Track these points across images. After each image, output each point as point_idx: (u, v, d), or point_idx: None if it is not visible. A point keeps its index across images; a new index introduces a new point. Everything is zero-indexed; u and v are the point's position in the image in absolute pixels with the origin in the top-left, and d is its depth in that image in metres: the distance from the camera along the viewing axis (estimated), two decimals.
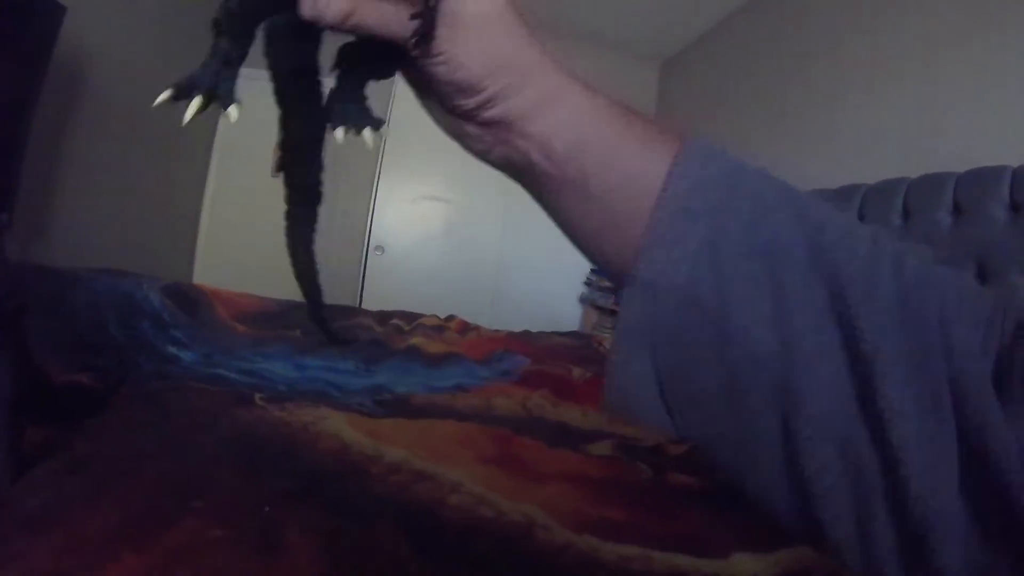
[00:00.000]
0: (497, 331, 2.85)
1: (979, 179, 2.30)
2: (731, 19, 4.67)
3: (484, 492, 0.81)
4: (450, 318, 2.91)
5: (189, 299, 1.87)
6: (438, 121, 0.53)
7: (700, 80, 5.12)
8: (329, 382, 1.49)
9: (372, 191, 4.89)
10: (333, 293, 4.20)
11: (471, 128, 0.48)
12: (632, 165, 0.47)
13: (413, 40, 0.41)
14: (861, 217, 2.77)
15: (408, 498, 0.77)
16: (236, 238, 4.85)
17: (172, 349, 1.48)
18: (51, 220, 3.38)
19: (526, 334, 2.90)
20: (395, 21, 0.40)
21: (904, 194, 2.60)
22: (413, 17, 0.40)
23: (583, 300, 5.30)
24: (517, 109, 0.45)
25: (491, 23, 0.43)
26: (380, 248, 4.93)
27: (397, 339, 2.22)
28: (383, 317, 2.63)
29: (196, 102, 0.45)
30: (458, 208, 5.15)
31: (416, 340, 2.17)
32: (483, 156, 0.51)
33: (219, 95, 0.48)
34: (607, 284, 4.76)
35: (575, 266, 5.38)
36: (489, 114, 0.45)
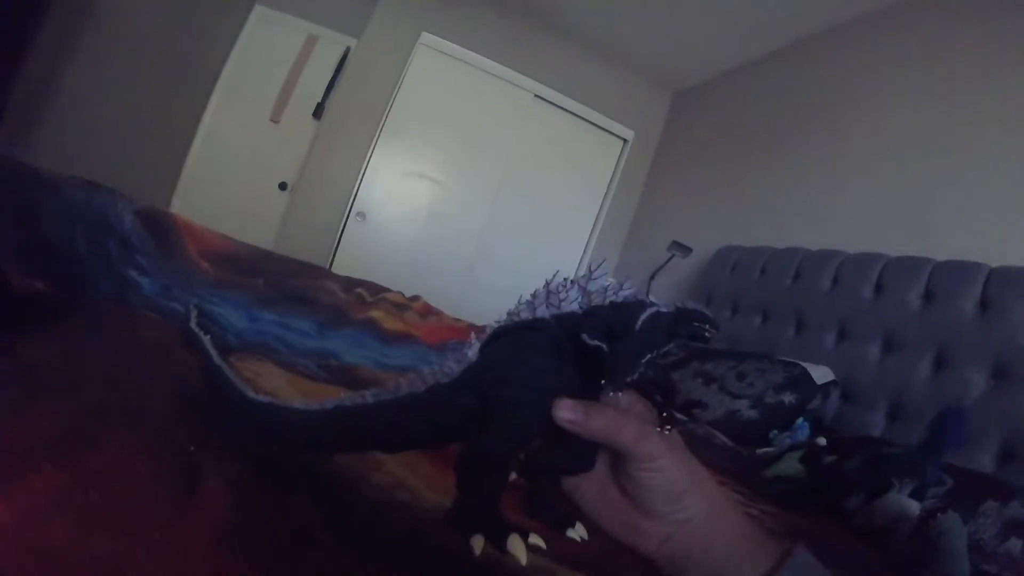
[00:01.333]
0: (459, 320, 2.85)
1: (955, 271, 2.36)
2: (748, 67, 4.72)
3: (406, 476, 0.83)
4: (415, 298, 2.91)
5: (161, 226, 1.85)
6: (599, 518, 0.59)
7: (708, 118, 5.14)
8: (279, 338, 1.49)
9: (366, 157, 4.85)
10: (306, 251, 4.18)
11: (650, 526, 0.56)
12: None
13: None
14: (835, 282, 2.83)
15: (331, 469, 0.78)
16: (221, 176, 4.82)
17: (133, 273, 1.47)
18: (43, 122, 3.35)
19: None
20: (626, 433, 0.52)
21: (881, 269, 2.64)
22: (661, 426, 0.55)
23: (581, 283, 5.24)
24: (699, 513, 0.55)
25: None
26: (361, 215, 4.90)
27: (358, 308, 2.22)
28: (349, 284, 2.61)
29: (480, 543, 0.52)
30: (446, 191, 5.13)
31: (376, 313, 2.16)
32: (648, 549, 0.57)
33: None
34: (599, 276, 4.75)
35: (549, 269, 5.38)
36: (682, 516, 0.54)
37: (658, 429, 0.54)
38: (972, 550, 1.35)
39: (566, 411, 0.52)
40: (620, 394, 0.57)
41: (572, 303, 0.56)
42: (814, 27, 3.94)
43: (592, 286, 0.57)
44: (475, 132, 5.19)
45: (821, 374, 2.43)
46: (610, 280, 0.58)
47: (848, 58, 3.65)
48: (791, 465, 1.78)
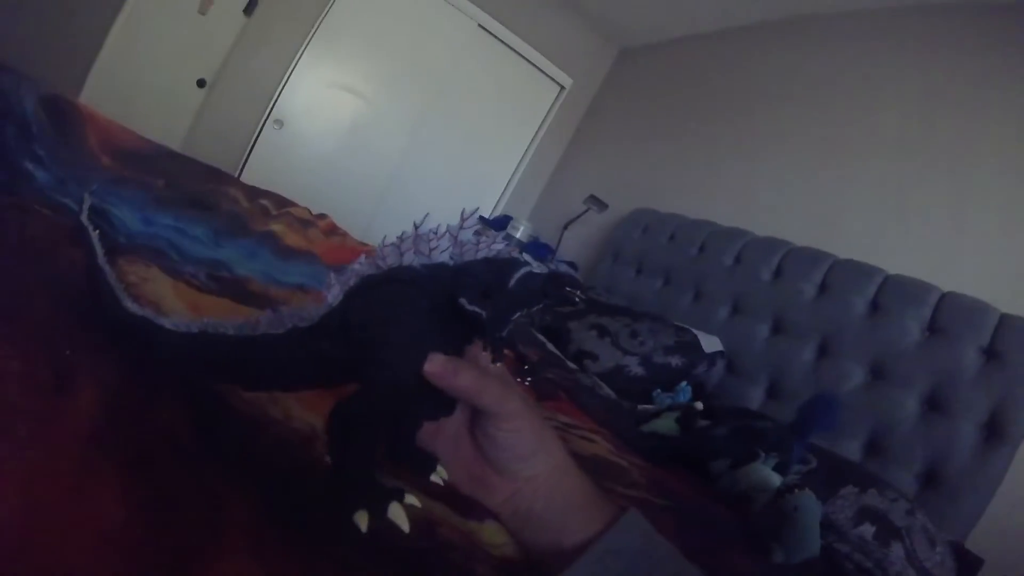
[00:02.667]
0: (364, 244, 2.80)
1: (853, 270, 2.46)
2: (696, 39, 4.73)
3: (282, 395, 0.80)
4: (322, 216, 2.83)
5: (64, 115, 1.74)
6: (450, 469, 0.62)
7: (648, 80, 5.16)
8: (172, 243, 1.43)
9: (293, 62, 4.67)
10: (216, 154, 4.03)
11: (498, 481, 0.60)
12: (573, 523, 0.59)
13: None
14: (737, 260, 2.89)
15: (205, 382, 0.75)
16: (138, 66, 4.56)
17: (28, 165, 1.38)
18: None
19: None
20: (489, 394, 0.56)
21: (783, 255, 2.73)
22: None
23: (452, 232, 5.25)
24: (544, 471, 0.60)
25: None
26: (279, 122, 4.71)
27: (259, 220, 2.14)
28: (254, 194, 2.51)
29: (364, 519, 0.50)
30: (371, 109, 4.97)
31: (276, 227, 2.09)
32: (493, 503, 0.62)
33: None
34: (482, 230, 4.75)
35: (463, 202, 5.34)
36: (528, 473, 0.59)
37: (517, 380, 0.56)
38: (826, 528, 1.40)
39: (436, 366, 0.54)
40: (483, 351, 0.59)
41: (443, 253, 0.56)
42: (765, 14, 3.97)
43: (463, 235, 0.56)
44: (411, 52, 5.02)
45: (711, 343, 2.48)
46: (477, 230, 0.57)
47: (790, 50, 3.71)
48: (667, 424, 1.81)
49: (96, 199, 1.30)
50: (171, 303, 1.02)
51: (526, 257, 0.58)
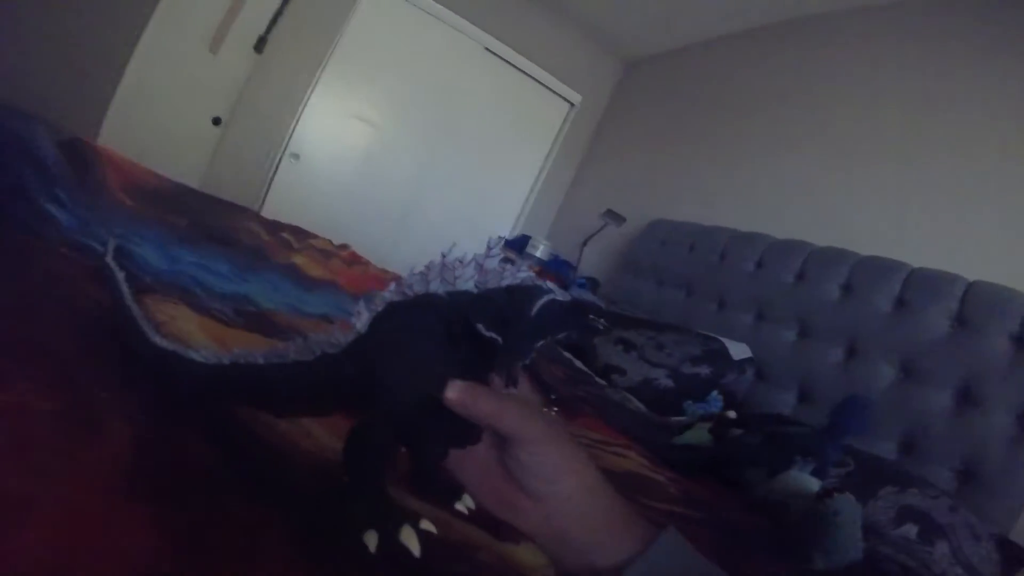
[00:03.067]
0: (385, 271, 2.81)
1: (876, 267, 2.43)
2: (701, 46, 4.74)
3: (312, 427, 0.81)
4: (343, 246, 2.85)
5: (83, 158, 1.77)
6: (481, 495, 0.62)
7: (656, 91, 5.16)
8: (197, 280, 1.44)
9: (305, 96, 4.72)
10: (236, 190, 4.07)
11: (530, 505, 0.57)
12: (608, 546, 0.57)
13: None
14: (759, 265, 2.88)
15: (234, 414, 0.76)
16: (153, 107, 4.61)
17: (50, 207, 1.40)
18: None
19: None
20: (509, 418, 0.54)
21: (805, 258, 2.70)
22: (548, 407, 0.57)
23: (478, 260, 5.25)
24: (577, 494, 0.57)
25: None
26: (295, 155, 4.76)
27: (281, 253, 2.16)
28: (274, 227, 2.54)
29: (374, 540, 0.51)
30: (384, 137, 5.01)
31: (298, 259, 2.11)
32: (527, 528, 0.59)
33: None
34: (510, 255, 4.76)
35: (481, 225, 5.40)
36: (560, 496, 0.56)
37: (544, 410, 0.56)
38: (867, 532, 1.38)
39: (455, 393, 0.54)
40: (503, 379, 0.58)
41: (467, 281, 0.56)
42: (768, 17, 3.96)
43: (489, 263, 0.57)
44: (421, 79, 5.07)
45: (739, 350, 2.47)
46: (504, 257, 0.58)
47: (797, 51, 3.70)
48: (700, 435, 1.80)
49: (120, 240, 1.33)
50: (198, 338, 1.03)
51: (549, 285, 0.58)
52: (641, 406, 2.24)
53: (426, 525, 0.54)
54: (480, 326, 0.54)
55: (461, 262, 0.56)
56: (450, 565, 0.68)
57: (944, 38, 2.78)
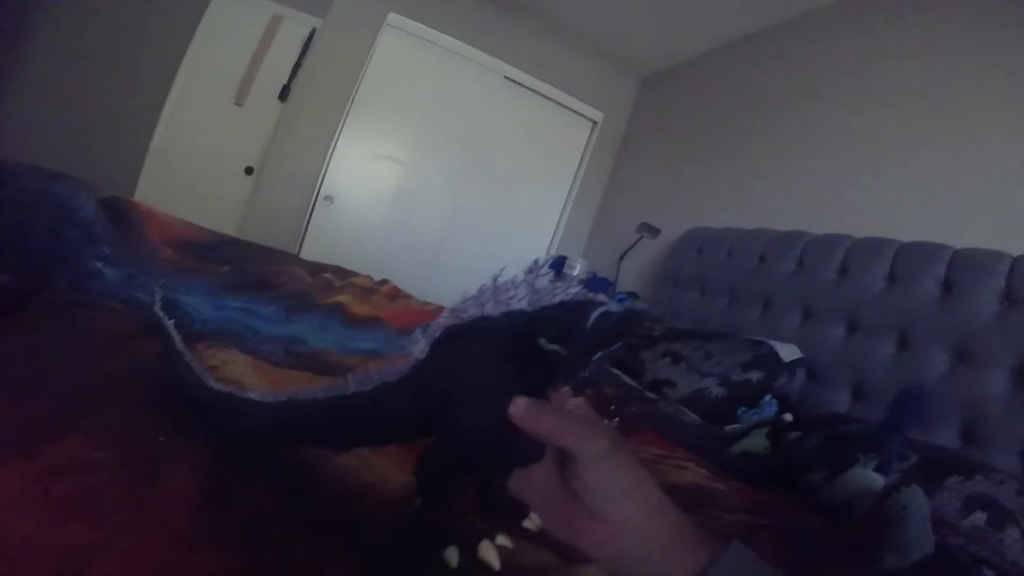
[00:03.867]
0: (428, 303, 2.84)
1: (919, 252, 2.38)
2: (715, 52, 4.74)
3: (371, 457, 0.83)
4: (383, 282, 2.89)
5: (124, 215, 1.83)
6: (543, 517, 0.62)
7: (676, 101, 5.16)
8: (246, 325, 1.48)
9: (333, 139, 4.81)
10: (273, 236, 4.14)
11: (593, 525, 0.57)
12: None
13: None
14: (800, 264, 2.85)
15: (294, 453, 0.78)
16: (186, 161, 4.73)
17: (96, 264, 1.45)
18: (1, 110, 3.28)
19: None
20: (572, 435, 0.54)
21: (845, 251, 2.67)
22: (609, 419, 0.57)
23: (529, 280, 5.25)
24: (640, 512, 0.57)
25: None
26: (329, 198, 4.85)
27: (324, 293, 2.20)
28: (316, 269, 2.59)
29: (455, 556, 0.55)
30: (414, 173, 5.10)
31: (342, 298, 2.15)
32: (591, 549, 0.59)
33: None
34: (545, 273, 4.76)
35: (516, 251, 5.46)
36: (622, 515, 0.56)
37: (604, 422, 0.57)
38: (937, 524, 1.37)
39: (518, 409, 0.54)
40: (567, 392, 0.60)
41: (521, 300, 0.57)
42: (780, 14, 3.96)
43: (539, 283, 0.58)
44: (443, 114, 5.15)
45: (788, 352, 2.45)
46: (551, 275, 0.59)
47: (813, 44, 3.68)
48: (757, 441, 1.80)
49: (166, 291, 1.37)
50: (252, 380, 1.06)
51: (601, 298, 0.58)
52: (695, 417, 2.24)
53: (503, 540, 0.56)
54: (543, 340, 0.55)
55: (513, 283, 0.57)
56: None
57: (974, 14, 2.75)
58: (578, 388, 0.57)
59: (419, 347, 0.60)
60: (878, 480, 1.42)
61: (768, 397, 2.33)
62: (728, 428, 2.13)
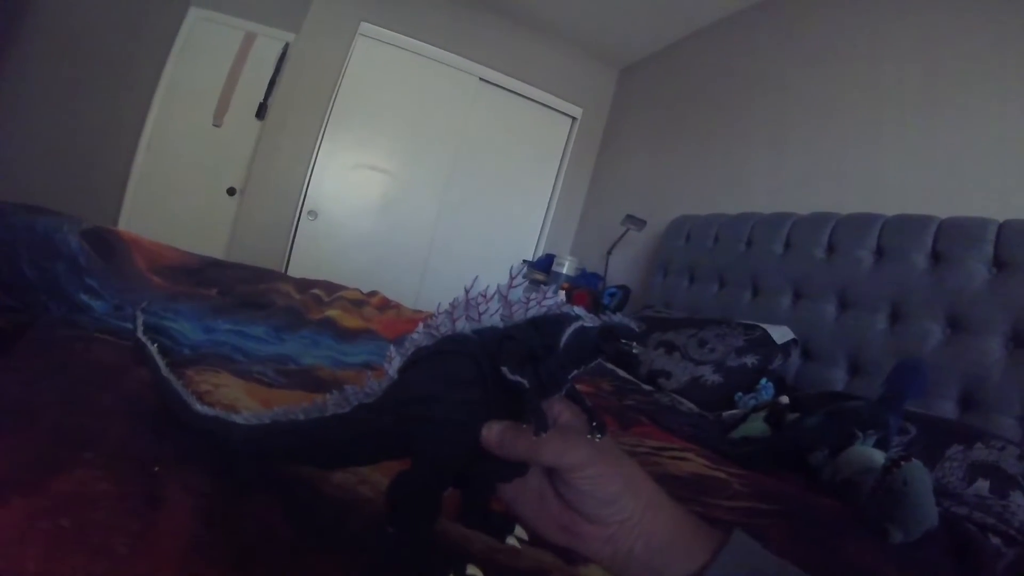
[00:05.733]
0: (418, 311, 2.83)
1: (905, 225, 2.38)
2: (690, 39, 4.76)
3: (368, 472, 0.83)
4: (372, 293, 2.88)
5: (108, 245, 1.81)
6: (540, 525, 0.61)
7: (655, 91, 5.17)
8: (236, 347, 1.48)
9: (313, 154, 4.81)
10: (259, 254, 4.13)
11: (590, 529, 0.57)
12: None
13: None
14: (787, 245, 2.85)
15: (291, 471, 0.78)
16: (168, 186, 4.72)
17: (84, 297, 1.44)
18: None
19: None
20: (547, 452, 0.54)
21: (831, 229, 2.67)
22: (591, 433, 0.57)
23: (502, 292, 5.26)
24: (636, 512, 0.57)
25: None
26: (313, 213, 4.85)
27: (314, 309, 2.20)
28: (304, 285, 2.58)
29: None
30: (397, 182, 5.11)
31: (332, 312, 2.14)
32: (590, 551, 0.59)
33: None
34: (538, 277, 4.78)
35: (506, 252, 5.47)
36: (619, 517, 0.56)
37: (587, 436, 0.56)
38: (941, 495, 1.37)
39: (490, 436, 0.55)
40: (548, 404, 0.58)
41: (493, 315, 0.57)
42: None
43: (513, 295, 0.57)
44: (422, 120, 5.16)
45: (781, 334, 2.45)
46: (533, 280, 0.58)
47: (788, 24, 3.68)
48: (756, 426, 1.79)
49: (151, 316, 1.36)
50: (245, 403, 1.05)
51: (577, 311, 0.58)
52: (692, 406, 2.24)
53: (472, 571, 0.55)
54: (505, 369, 0.54)
55: (485, 296, 0.56)
56: None
57: None
58: (539, 420, 0.54)
59: (393, 365, 0.60)
60: (878, 456, 1.42)
61: (764, 380, 2.33)
62: (726, 414, 2.13)
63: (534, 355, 0.55)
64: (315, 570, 0.62)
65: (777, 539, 1.01)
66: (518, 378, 0.53)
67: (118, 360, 1.09)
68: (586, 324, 0.56)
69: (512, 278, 0.57)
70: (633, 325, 0.56)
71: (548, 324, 0.56)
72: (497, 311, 0.57)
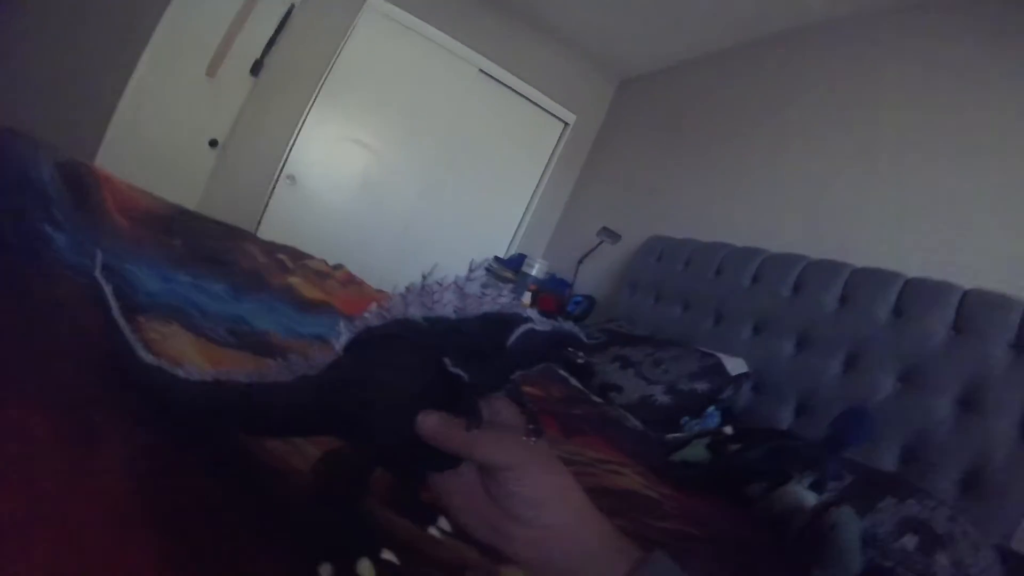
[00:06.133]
0: (381, 291, 2.81)
1: (873, 278, 2.41)
2: (691, 63, 4.77)
3: (302, 444, 0.81)
4: (338, 267, 2.85)
5: (80, 179, 1.77)
6: (468, 519, 0.61)
7: (649, 109, 5.18)
8: (192, 301, 1.44)
9: (301, 118, 4.76)
10: (232, 212, 4.08)
11: (516, 530, 0.57)
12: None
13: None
14: (755, 279, 2.88)
15: (227, 433, 0.77)
16: (151, 129, 4.63)
17: (47, 228, 1.41)
18: None
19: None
20: (480, 448, 0.54)
21: (800, 270, 2.70)
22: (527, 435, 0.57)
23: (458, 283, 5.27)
24: (562, 520, 0.57)
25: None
26: (292, 177, 4.79)
27: (277, 274, 2.16)
28: (271, 249, 2.54)
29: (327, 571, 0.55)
30: (381, 160, 5.06)
31: (294, 280, 2.11)
32: (513, 553, 0.59)
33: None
34: (507, 275, 4.78)
35: (479, 245, 5.45)
36: (545, 522, 0.56)
37: (523, 438, 0.56)
38: (868, 545, 1.37)
39: (426, 425, 0.54)
40: (488, 401, 0.58)
41: (446, 305, 0.56)
42: (757, 32, 4.00)
43: (469, 287, 0.56)
44: (416, 102, 5.12)
45: (735, 365, 2.47)
46: (486, 281, 0.57)
47: (786, 66, 3.72)
48: (697, 451, 1.80)
49: (113, 259, 1.33)
50: (191, 357, 1.03)
51: (529, 313, 0.57)
52: (638, 423, 2.24)
53: (388, 556, 0.55)
54: (447, 360, 0.53)
55: (441, 285, 0.55)
56: None
57: (935, 45, 2.79)
58: (472, 418, 0.54)
59: (341, 341, 0.58)
60: (810, 497, 1.42)
61: (712, 408, 2.35)
62: (670, 436, 2.14)
63: (480, 351, 0.55)
64: (239, 536, 0.60)
65: (702, 564, 1.01)
66: (458, 371, 0.53)
67: (74, 297, 1.06)
68: (536, 327, 0.55)
69: (471, 271, 0.56)
70: (582, 335, 0.55)
71: (498, 322, 0.55)
72: (450, 302, 0.56)
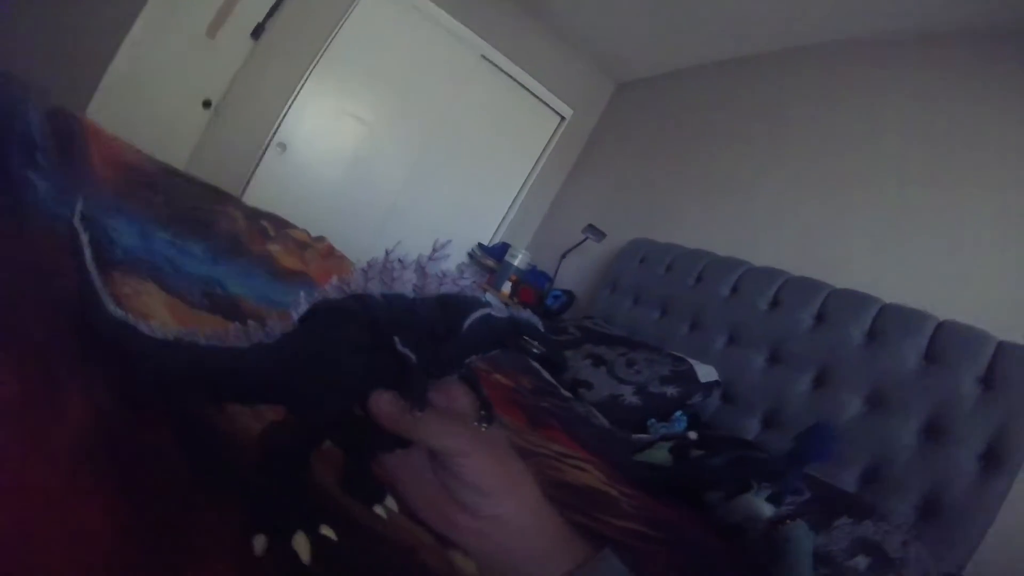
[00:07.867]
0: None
1: (850, 300, 2.44)
2: (692, 71, 4.77)
3: (267, 410, 0.81)
4: (320, 239, 2.83)
5: (68, 129, 1.75)
6: (416, 504, 0.60)
7: (646, 112, 5.19)
8: (169, 259, 1.43)
9: (298, 86, 4.71)
10: (220, 174, 4.04)
11: (463, 518, 0.56)
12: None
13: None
14: (734, 290, 2.89)
15: (190, 400, 0.76)
16: (146, 84, 4.57)
17: (30, 174, 1.39)
18: None
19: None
20: (428, 432, 0.53)
21: (780, 285, 2.72)
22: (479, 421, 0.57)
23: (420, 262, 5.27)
24: (511, 510, 0.56)
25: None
26: (282, 145, 4.74)
27: (257, 240, 2.15)
28: (254, 215, 2.51)
29: (261, 543, 0.54)
30: (374, 136, 5.02)
31: (273, 248, 2.10)
32: (460, 540, 0.59)
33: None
34: (488, 263, 4.77)
35: (464, 230, 5.44)
36: (493, 511, 0.56)
37: (473, 423, 0.56)
38: (820, 561, 1.39)
39: (377, 405, 0.54)
40: (441, 384, 0.58)
41: (406, 283, 0.55)
42: (757, 47, 4.01)
43: (431, 267, 0.55)
44: (415, 82, 5.07)
45: (706, 372, 2.48)
46: (462, 264, 0.56)
47: (784, 80, 3.74)
48: (660, 454, 1.81)
49: (93, 210, 1.31)
50: (160, 315, 1.02)
51: (487, 298, 0.57)
52: (605, 421, 2.25)
53: (326, 531, 0.55)
54: (397, 339, 0.52)
55: (402, 262, 0.55)
56: (390, 562, 0.68)
57: (923, 74, 2.83)
58: (417, 400, 0.53)
59: (299, 311, 0.58)
60: (767, 509, 1.43)
61: (680, 413, 2.36)
62: (635, 436, 2.15)
63: (434, 333, 0.54)
64: (193, 502, 0.60)
65: (655, 566, 1.02)
66: (407, 352, 0.52)
67: (52, 247, 1.04)
68: (493, 313, 0.55)
69: (434, 250, 0.56)
70: (540, 325, 0.55)
71: (455, 305, 0.55)
72: (409, 280, 0.55)
